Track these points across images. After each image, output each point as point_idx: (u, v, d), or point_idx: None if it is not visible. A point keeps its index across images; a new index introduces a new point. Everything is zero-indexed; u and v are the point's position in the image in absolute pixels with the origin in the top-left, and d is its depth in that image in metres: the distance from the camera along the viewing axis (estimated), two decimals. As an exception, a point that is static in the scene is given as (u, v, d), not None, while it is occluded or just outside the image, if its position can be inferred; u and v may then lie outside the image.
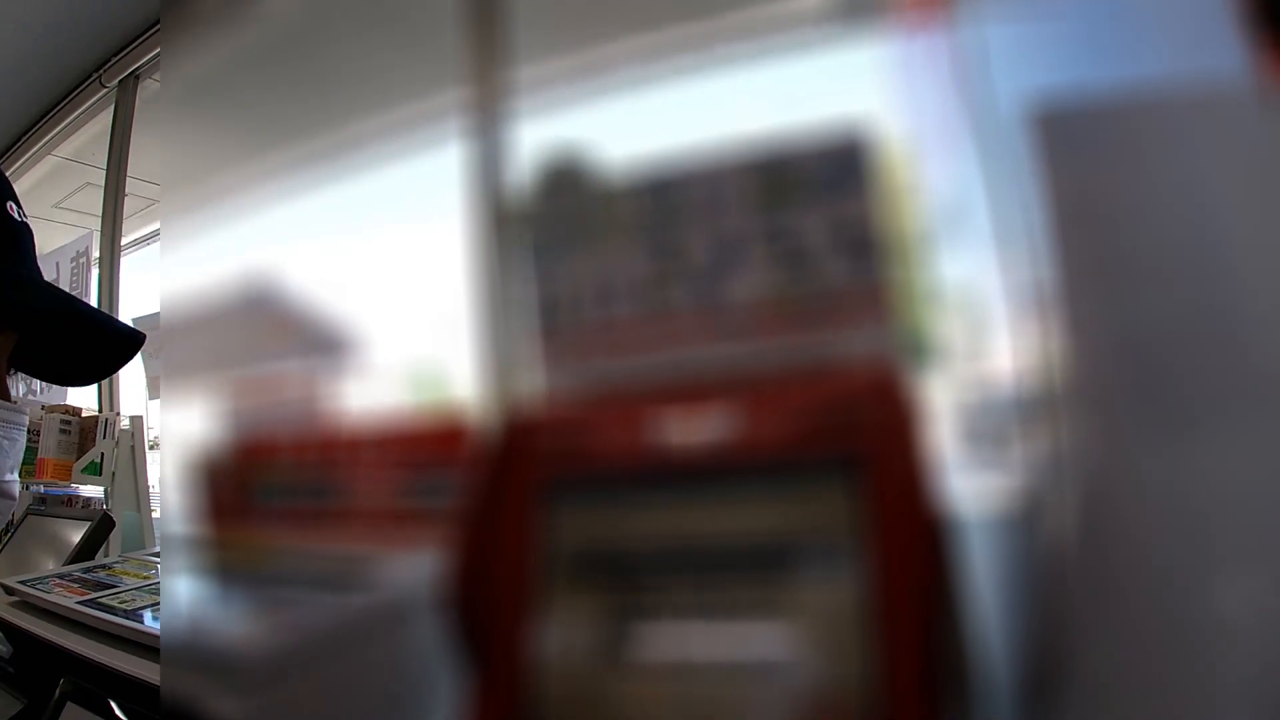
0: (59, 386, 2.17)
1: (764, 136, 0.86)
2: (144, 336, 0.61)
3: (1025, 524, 0.86)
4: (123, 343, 0.61)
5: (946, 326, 1.11)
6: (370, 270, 1.48)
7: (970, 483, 1.09)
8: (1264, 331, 0.50)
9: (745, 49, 1.10)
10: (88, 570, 1.23)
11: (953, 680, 0.66)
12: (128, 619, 0.88)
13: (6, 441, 0.53)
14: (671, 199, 0.88)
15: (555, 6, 1.51)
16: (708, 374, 0.84)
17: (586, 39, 1.29)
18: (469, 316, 1.21)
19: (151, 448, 1.80)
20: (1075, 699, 0.71)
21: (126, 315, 2.27)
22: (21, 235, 0.53)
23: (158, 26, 2.24)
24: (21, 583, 1.13)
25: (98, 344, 0.60)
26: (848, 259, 0.84)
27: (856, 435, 0.72)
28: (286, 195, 1.85)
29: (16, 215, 0.52)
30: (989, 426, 0.99)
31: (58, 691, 0.90)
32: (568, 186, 0.93)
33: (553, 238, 0.93)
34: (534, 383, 0.93)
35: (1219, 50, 0.52)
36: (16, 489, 0.55)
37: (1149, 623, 0.64)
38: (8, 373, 0.55)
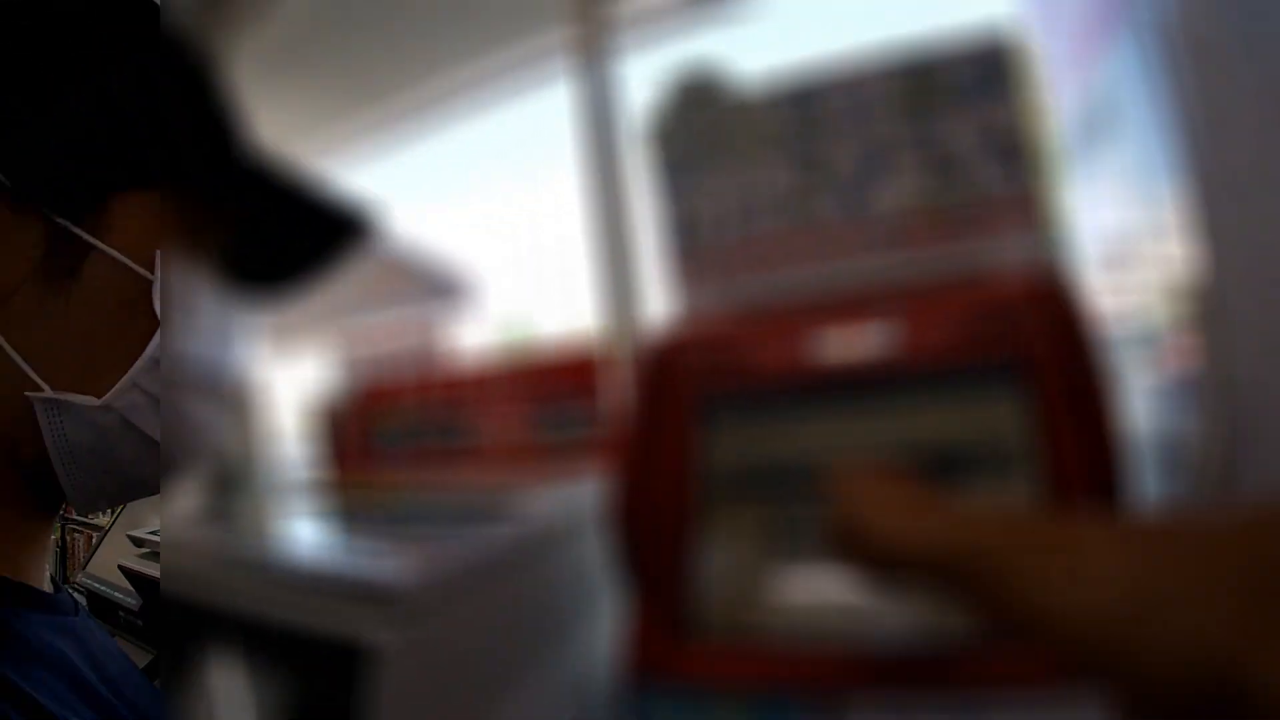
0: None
1: (907, 43, 0.83)
2: (369, 218, 0.52)
3: (1181, 443, 0.83)
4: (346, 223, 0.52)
5: (1091, 236, 1.07)
6: (483, 213, 1.48)
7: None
8: None
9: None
10: (216, 517, 1.25)
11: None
12: (263, 560, 0.89)
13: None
14: (814, 109, 0.85)
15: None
16: (858, 286, 0.82)
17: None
18: (590, 247, 1.21)
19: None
20: None
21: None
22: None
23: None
24: (150, 533, 1.16)
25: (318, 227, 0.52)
26: (996, 165, 0.80)
27: (1023, 340, 0.69)
28: (392, 146, 1.86)
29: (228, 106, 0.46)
30: (1139, 335, 0.95)
31: (192, 640, 0.92)
32: (702, 102, 0.90)
33: (688, 155, 0.91)
34: (669, 306, 0.92)
35: None
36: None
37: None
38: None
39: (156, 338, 0.40)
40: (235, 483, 1.53)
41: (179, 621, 0.93)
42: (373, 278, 1.65)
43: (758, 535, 0.75)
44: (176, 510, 1.51)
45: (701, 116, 0.90)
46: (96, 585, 1.34)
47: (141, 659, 1.11)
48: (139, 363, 0.39)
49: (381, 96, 2.41)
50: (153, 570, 1.11)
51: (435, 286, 1.53)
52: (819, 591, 0.70)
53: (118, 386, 0.39)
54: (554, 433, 1.20)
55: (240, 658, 0.82)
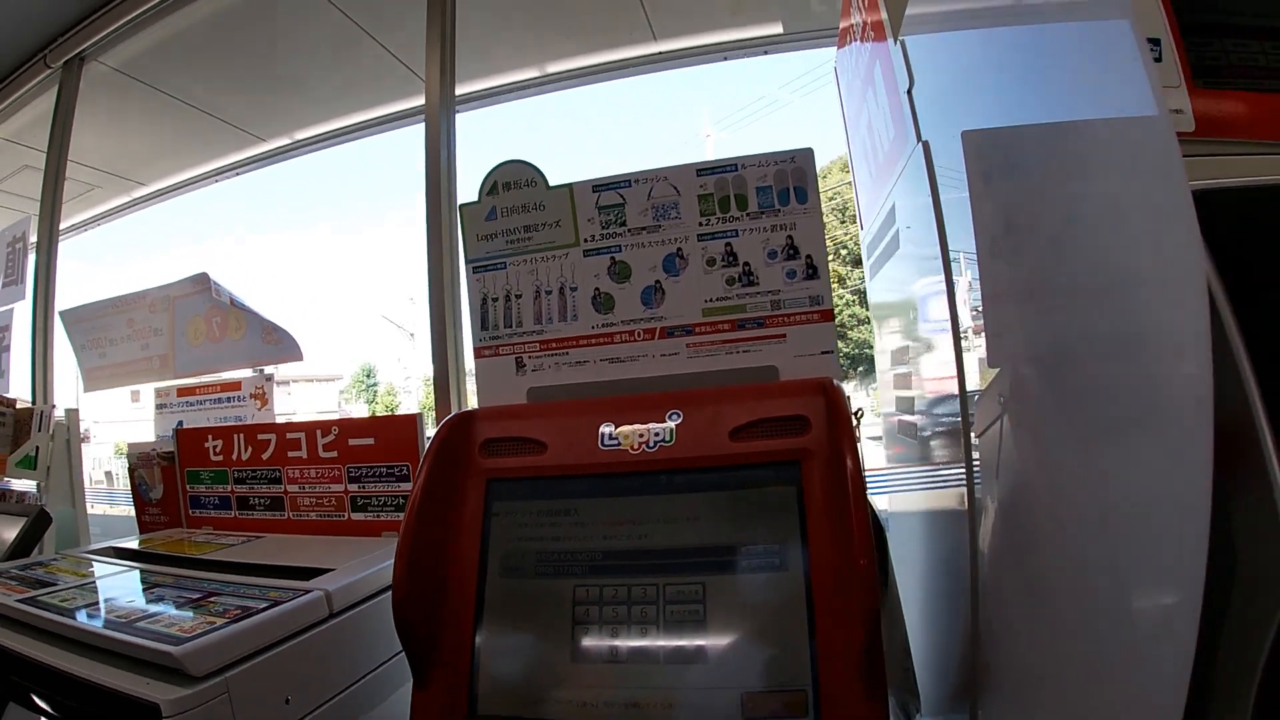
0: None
1: (716, 159, 0.89)
2: None
3: (951, 526, 0.89)
4: None
5: (878, 342, 1.16)
6: (313, 271, 1.48)
7: (896, 488, 1.12)
8: (1168, 356, 0.53)
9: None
10: (25, 568, 1.20)
11: (885, 669, 0.68)
12: (68, 618, 0.87)
13: None
14: (619, 210, 0.92)
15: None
16: (649, 380, 0.88)
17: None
18: (423, 321, 1.22)
19: (83, 441, 1.77)
20: (996, 695, 0.74)
21: (62, 301, 2.24)
22: None
23: (107, 8, 2.21)
24: None
25: None
26: (787, 273, 0.88)
27: (798, 435, 0.76)
28: (232, 189, 1.83)
29: None
30: (916, 436, 1.03)
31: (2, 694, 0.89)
32: (514, 196, 0.95)
33: (498, 246, 0.96)
34: (474, 389, 0.96)
35: (1127, 95, 0.56)
36: None
37: (1066, 622, 0.67)
38: None
39: None
40: (47, 529, 1.46)
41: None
42: (200, 331, 1.62)
43: (540, 618, 0.77)
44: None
45: (513, 208, 0.95)
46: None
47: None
48: None
49: (242, 138, 2.41)
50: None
51: (263, 342, 1.51)
52: (585, 680, 0.73)
53: None
54: (367, 498, 1.22)
55: (36, 711, 0.83)
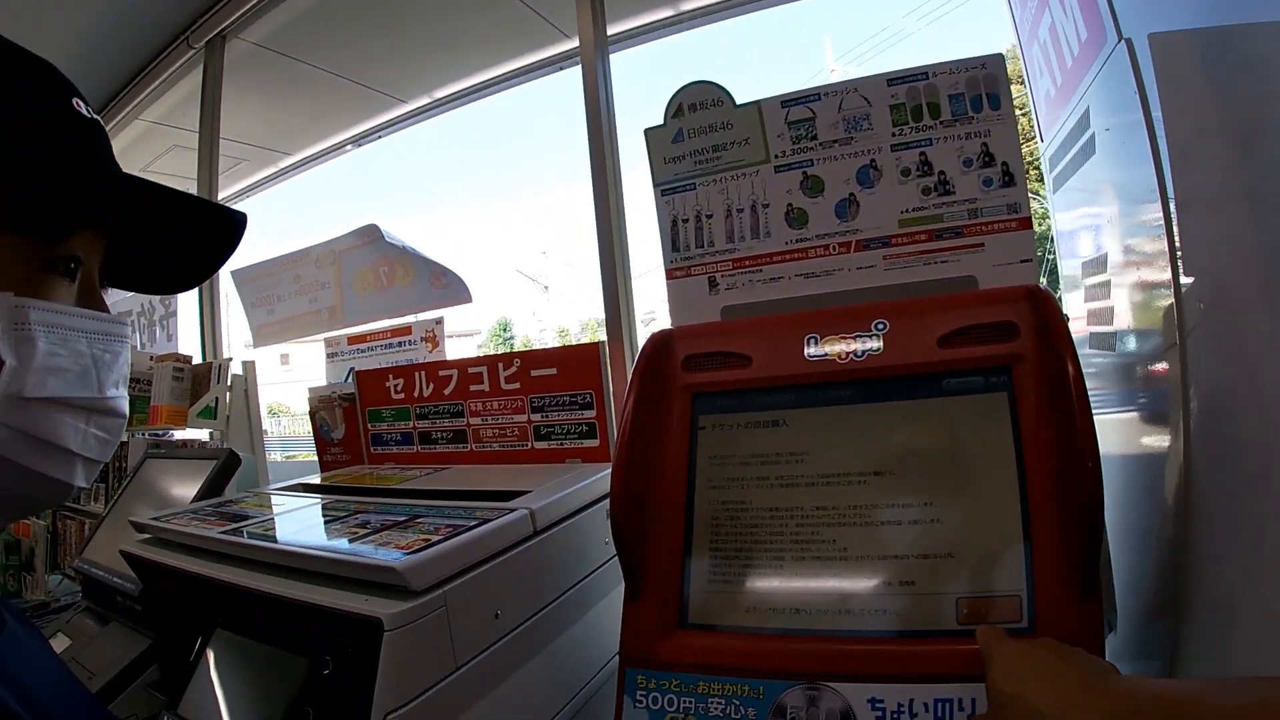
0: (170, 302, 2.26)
1: (903, 68, 0.88)
2: (245, 216, 0.58)
3: (1153, 441, 0.87)
4: (227, 225, 0.58)
5: (1064, 253, 1.12)
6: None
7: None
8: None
9: None
10: (218, 506, 1.24)
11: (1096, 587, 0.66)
12: (276, 544, 0.89)
13: (108, 355, 0.51)
14: (809, 123, 0.91)
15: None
16: (848, 292, 0.88)
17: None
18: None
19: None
20: (1200, 616, 0.72)
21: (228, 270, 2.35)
22: (95, 132, 0.50)
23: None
24: (155, 519, 1.14)
25: (199, 231, 0.57)
26: (983, 181, 0.86)
27: (1007, 341, 0.74)
28: (397, 151, 1.89)
29: (85, 112, 0.49)
30: (1115, 349, 0.99)
31: (196, 622, 0.92)
32: (701, 114, 0.95)
33: (686, 167, 0.97)
34: (666, 308, 0.97)
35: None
36: (125, 405, 0.53)
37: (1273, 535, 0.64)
38: (101, 286, 0.53)
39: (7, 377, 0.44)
40: (236, 470, 1.54)
41: (181, 604, 0.94)
42: (368, 281, 1.68)
43: (753, 529, 0.78)
44: (179, 496, 1.52)
45: (700, 129, 0.95)
46: (94, 571, 1.33)
47: (138, 644, 1.12)
48: None
49: (383, 101, 2.44)
50: (159, 555, 1.10)
51: (431, 287, 1.56)
52: (798, 587, 0.74)
53: None
54: (550, 427, 1.26)
55: (245, 636, 0.84)
